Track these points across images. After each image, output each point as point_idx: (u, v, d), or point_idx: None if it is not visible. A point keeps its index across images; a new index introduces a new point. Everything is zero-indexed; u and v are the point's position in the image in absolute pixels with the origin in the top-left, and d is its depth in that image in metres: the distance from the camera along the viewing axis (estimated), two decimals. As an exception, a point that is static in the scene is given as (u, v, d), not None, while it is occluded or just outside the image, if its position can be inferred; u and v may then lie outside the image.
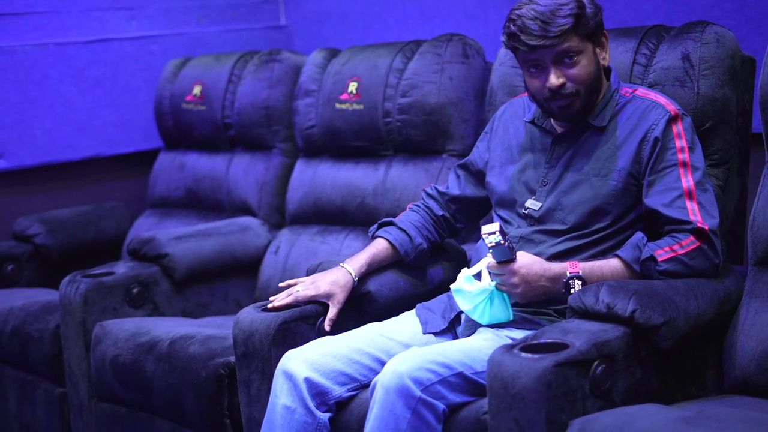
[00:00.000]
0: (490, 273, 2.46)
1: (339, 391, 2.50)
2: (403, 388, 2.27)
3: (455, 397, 2.32)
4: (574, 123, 2.57)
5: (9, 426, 3.66)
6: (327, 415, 2.49)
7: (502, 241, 2.36)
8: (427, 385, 2.28)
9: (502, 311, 2.49)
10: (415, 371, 2.28)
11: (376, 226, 2.87)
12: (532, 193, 2.61)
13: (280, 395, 2.48)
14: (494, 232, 2.35)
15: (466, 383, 2.33)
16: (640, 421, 2.02)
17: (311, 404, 2.47)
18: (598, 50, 2.53)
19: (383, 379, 2.30)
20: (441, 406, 2.30)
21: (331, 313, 2.69)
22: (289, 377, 2.47)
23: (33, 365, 3.52)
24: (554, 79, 2.49)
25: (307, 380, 2.46)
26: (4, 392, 3.67)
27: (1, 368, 3.67)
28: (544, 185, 2.59)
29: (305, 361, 2.48)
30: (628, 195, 2.51)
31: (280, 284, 2.75)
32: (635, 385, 2.23)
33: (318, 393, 2.48)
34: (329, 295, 2.69)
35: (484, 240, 2.38)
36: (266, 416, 2.50)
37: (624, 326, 2.23)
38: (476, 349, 2.39)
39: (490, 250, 2.40)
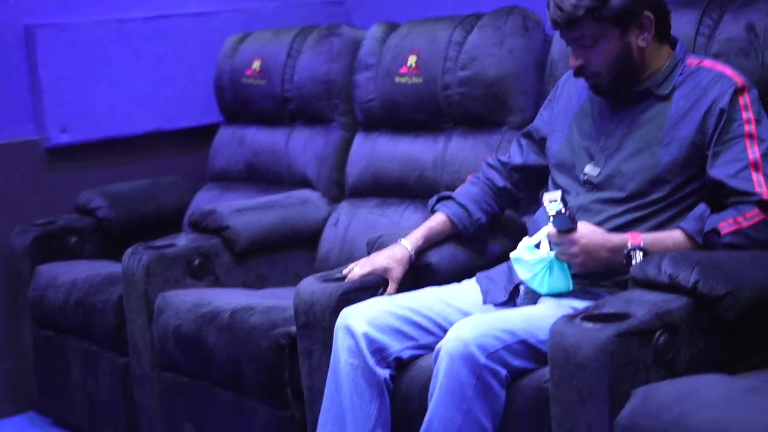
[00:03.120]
0: (549, 242, 2.46)
1: (397, 347, 2.51)
2: (468, 355, 2.28)
3: (518, 363, 2.33)
4: (627, 94, 2.56)
5: (73, 396, 3.72)
6: (387, 371, 2.51)
7: (564, 210, 2.36)
8: (492, 351, 2.29)
9: (562, 281, 2.48)
10: (480, 338, 2.29)
11: (434, 199, 2.88)
12: (591, 158, 2.60)
13: (342, 353, 2.50)
14: (555, 200, 2.35)
15: (528, 350, 2.34)
16: (704, 390, 2.01)
17: (371, 361, 2.49)
18: (635, 31, 2.50)
19: (448, 347, 2.30)
20: (504, 371, 2.31)
21: (391, 288, 2.70)
22: (350, 332, 2.50)
23: (96, 336, 3.58)
24: (572, 60, 2.54)
25: (366, 336, 2.49)
26: (68, 363, 3.73)
27: (66, 339, 3.73)
28: (604, 151, 2.58)
29: (363, 317, 2.51)
30: (690, 165, 2.48)
31: (343, 272, 2.76)
32: (698, 355, 2.21)
33: (377, 349, 2.50)
34: (386, 270, 2.71)
35: (545, 207, 2.38)
36: (329, 374, 2.53)
37: (687, 297, 2.22)
38: (539, 317, 2.39)
39: (551, 219, 2.39)
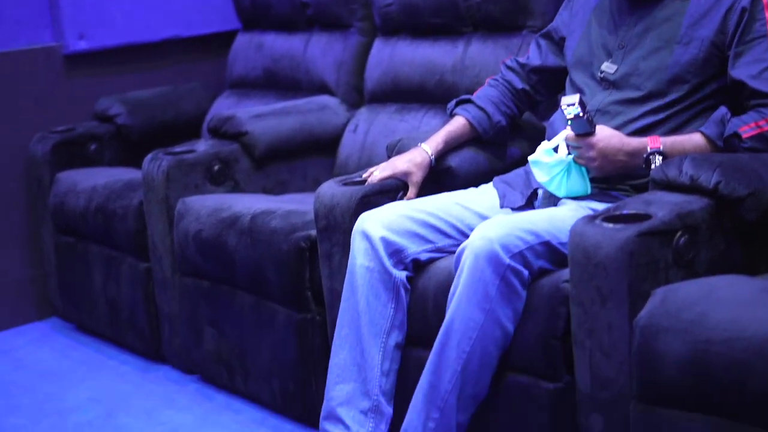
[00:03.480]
0: (568, 145, 2.45)
1: (414, 249, 2.52)
2: (493, 254, 2.28)
3: (539, 264, 2.34)
4: None
5: (95, 301, 3.76)
6: (404, 273, 2.52)
7: (582, 114, 2.34)
8: (515, 252, 2.29)
9: (580, 184, 2.48)
10: (505, 238, 2.29)
11: (453, 103, 2.87)
12: (609, 56, 2.57)
13: (358, 255, 2.52)
14: (573, 104, 2.33)
15: (550, 252, 2.35)
16: (723, 290, 2.02)
17: (388, 263, 2.50)
18: None
19: (473, 245, 2.30)
20: (526, 272, 2.31)
21: (411, 192, 2.71)
22: (366, 236, 2.51)
23: (117, 241, 3.60)
24: None
25: (383, 239, 2.50)
26: (89, 269, 3.76)
27: (87, 245, 3.76)
28: (621, 48, 2.55)
29: (380, 221, 2.51)
30: (710, 65, 2.46)
31: (363, 175, 2.76)
32: (718, 257, 2.22)
33: (394, 252, 2.51)
34: (406, 174, 2.72)
35: (562, 111, 2.36)
36: (346, 278, 2.55)
37: (708, 198, 2.22)
38: (561, 218, 2.39)
39: (569, 122, 2.38)
